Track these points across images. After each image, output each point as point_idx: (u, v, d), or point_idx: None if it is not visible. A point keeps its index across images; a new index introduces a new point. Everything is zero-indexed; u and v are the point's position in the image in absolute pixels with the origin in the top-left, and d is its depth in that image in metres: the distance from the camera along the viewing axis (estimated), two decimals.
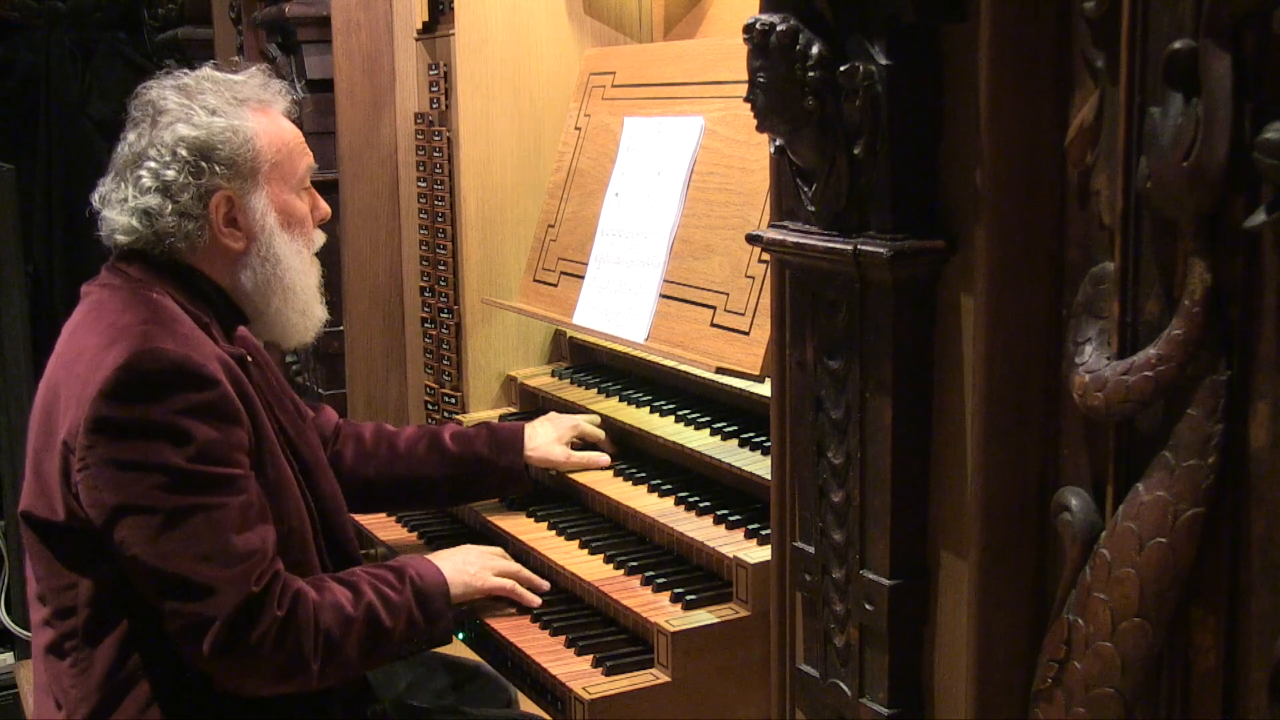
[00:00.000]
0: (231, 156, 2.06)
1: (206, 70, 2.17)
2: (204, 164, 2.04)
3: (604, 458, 2.60)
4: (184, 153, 2.04)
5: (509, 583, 2.29)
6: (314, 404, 2.58)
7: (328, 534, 2.20)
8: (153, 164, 2.05)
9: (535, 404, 3.00)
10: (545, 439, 2.59)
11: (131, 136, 2.09)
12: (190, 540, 1.88)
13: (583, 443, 2.63)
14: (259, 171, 2.09)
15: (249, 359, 2.12)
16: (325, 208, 2.25)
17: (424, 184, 3.20)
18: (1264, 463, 1.05)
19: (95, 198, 2.11)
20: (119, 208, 2.06)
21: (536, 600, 2.30)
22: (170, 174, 2.04)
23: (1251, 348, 1.05)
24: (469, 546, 2.37)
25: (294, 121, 2.23)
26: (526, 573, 2.35)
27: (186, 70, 2.16)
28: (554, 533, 2.50)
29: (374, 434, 2.57)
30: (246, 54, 4.11)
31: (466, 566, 2.25)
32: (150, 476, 1.88)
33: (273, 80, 2.20)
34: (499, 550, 2.39)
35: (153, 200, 2.04)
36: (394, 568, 2.16)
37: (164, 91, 2.10)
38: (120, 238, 2.07)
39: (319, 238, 2.24)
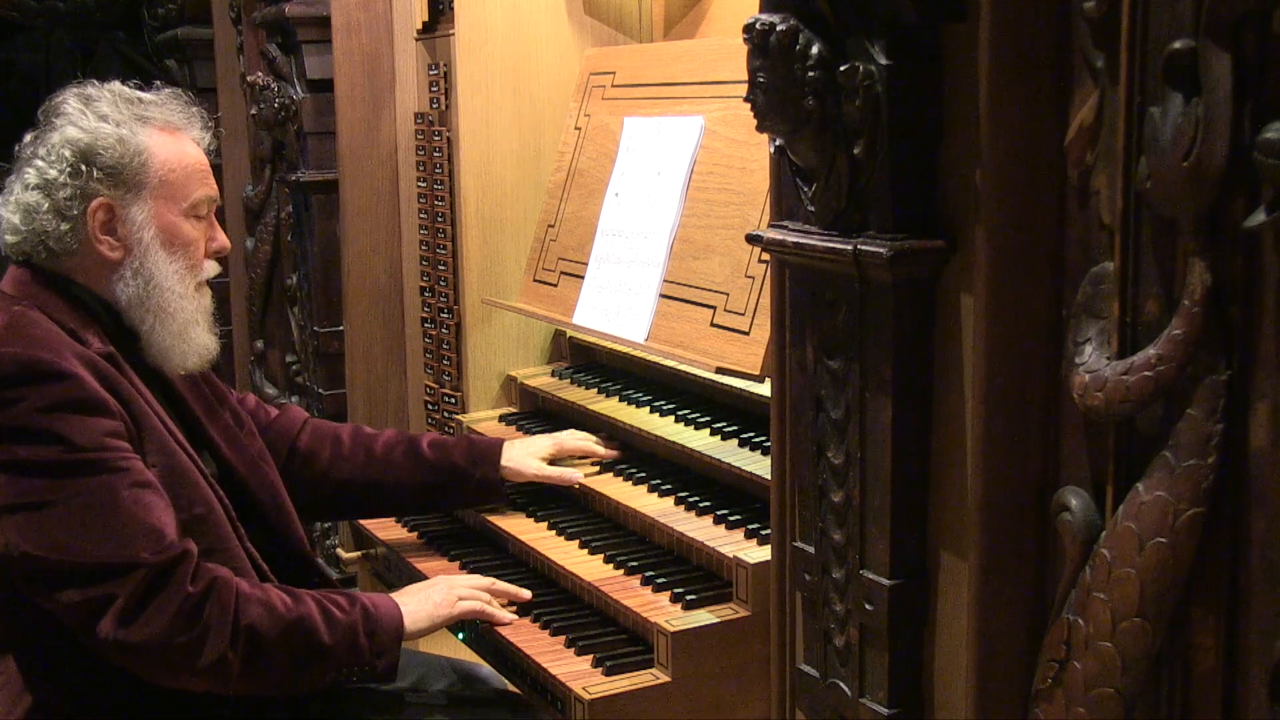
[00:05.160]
0: (114, 164, 2.05)
1: (116, 85, 2.17)
2: (84, 167, 2.05)
3: (577, 475, 2.58)
4: (67, 154, 2.05)
5: (477, 605, 2.26)
6: (279, 404, 2.58)
7: (265, 529, 2.20)
8: (40, 163, 2.07)
9: (535, 404, 3.00)
10: (522, 452, 2.58)
11: (28, 138, 2.12)
12: (81, 525, 1.89)
13: (559, 458, 2.62)
14: (144, 186, 2.08)
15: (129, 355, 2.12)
16: (224, 240, 2.22)
17: (424, 184, 3.20)
18: (1264, 463, 1.05)
19: None
20: (10, 205, 2.09)
21: (509, 618, 2.28)
22: (52, 173, 2.05)
23: (1251, 348, 1.05)
24: (440, 577, 2.35)
25: (210, 150, 2.21)
26: (502, 585, 2.33)
27: (95, 81, 2.17)
28: (554, 533, 2.50)
29: (351, 436, 2.55)
30: (246, 54, 4.11)
31: (432, 596, 2.22)
32: (24, 476, 1.89)
33: (193, 107, 2.20)
34: (468, 577, 2.36)
35: (33, 197, 2.06)
36: (348, 594, 2.13)
37: (67, 96, 2.12)
38: (8, 237, 2.09)
39: (210, 268, 2.21)
